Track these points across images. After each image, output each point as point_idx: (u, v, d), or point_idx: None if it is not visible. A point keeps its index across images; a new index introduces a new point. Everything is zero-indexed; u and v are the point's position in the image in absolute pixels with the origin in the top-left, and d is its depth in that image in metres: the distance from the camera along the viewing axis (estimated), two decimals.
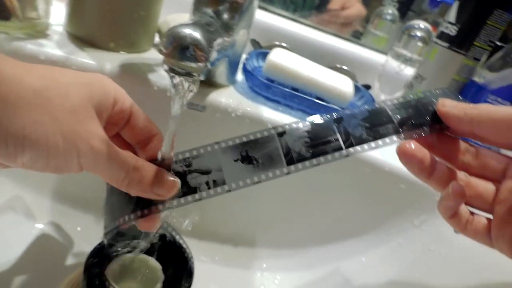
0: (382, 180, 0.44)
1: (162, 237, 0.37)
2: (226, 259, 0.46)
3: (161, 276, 0.34)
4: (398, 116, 0.26)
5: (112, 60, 0.39)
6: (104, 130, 0.24)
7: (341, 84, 0.45)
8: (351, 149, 0.25)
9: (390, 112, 0.26)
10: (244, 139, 0.27)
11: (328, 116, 0.27)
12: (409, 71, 0.57)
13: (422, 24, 0.54)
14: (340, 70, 0.57)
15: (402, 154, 0.25)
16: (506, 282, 0.36)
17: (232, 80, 0.45)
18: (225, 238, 0.48)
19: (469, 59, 0.50)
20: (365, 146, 0.25)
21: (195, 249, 0.38)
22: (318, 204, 0.47)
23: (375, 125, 0.26)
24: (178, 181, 0.26)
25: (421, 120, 0.26)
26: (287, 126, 0.27)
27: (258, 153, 0.26)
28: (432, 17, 0.63)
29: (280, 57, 0.45)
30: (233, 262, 0.46)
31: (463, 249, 0.39)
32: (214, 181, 0.26)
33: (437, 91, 0.28)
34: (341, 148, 0.25)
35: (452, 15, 0.50)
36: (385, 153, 0.44)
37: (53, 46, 0.39)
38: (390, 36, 0.66)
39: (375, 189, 0.44)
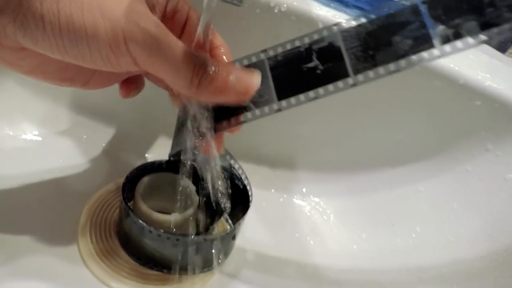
0: (454, 96, 0.36)
1: None
2: (263, 182, 0.42)
3: (195, 199, 0.30)
4: None
5: None
6: None
7: None
8: None
9: None
10: None
11: None
12: None
13: None
14: None
15: None
16: None
17: None
18: (262, 159, 0.43)
19: None
20: None
21: None
22: (371, 123, 0.40)
23: None
24: (257, 76, 0.22)
25: None
26: None
27: None
28: None
29: None
30: (270, 185, 0.42)
31: None
32: None
33: None
34: None
35: None
36: (460, 62, 0.36)
37: None
38: None
39: (444, 106, 0.37)
